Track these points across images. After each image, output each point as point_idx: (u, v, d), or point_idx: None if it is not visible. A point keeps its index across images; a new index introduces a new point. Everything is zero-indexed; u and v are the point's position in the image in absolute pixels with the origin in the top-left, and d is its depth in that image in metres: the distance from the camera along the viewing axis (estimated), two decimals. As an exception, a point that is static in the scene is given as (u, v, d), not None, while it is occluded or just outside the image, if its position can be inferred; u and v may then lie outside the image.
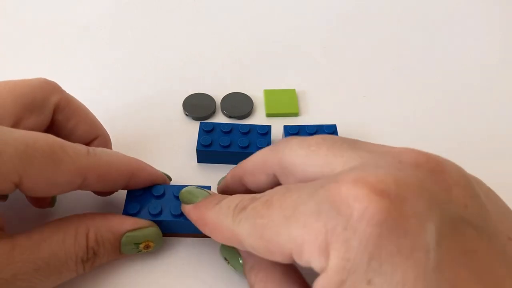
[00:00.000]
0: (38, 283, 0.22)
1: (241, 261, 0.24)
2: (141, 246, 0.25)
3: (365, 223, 0.16)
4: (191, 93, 0.37)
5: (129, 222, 0.25)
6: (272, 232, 0.19)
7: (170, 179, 0.29)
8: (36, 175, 0.22)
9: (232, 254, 0.25)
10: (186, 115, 0.36)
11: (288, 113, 0.36)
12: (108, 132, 0.30)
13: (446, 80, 0.40)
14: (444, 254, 0.16)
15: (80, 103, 0.29)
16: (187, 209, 0.25)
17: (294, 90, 0.37)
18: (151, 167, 0.28)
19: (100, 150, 0.25)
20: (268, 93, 0.37)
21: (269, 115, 0.36)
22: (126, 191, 0.27)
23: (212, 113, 0.36)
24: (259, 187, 0.25)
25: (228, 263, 0.25)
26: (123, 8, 0.46)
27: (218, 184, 0.28)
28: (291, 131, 0.32)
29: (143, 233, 0.25)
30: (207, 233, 0.24)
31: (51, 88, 0.27)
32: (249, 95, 0.37)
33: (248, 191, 0.25)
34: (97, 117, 0.30)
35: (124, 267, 0.26)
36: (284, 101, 0.37)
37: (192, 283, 0.26)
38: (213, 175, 0.31)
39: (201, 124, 0.32)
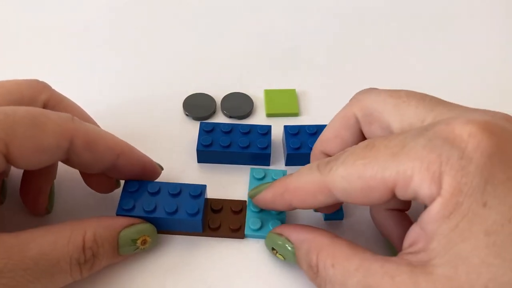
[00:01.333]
0: (27, 284, 0.21)
1: (290, 249, 0.24)
2: (139, 242, 0.25)
3: (480, 154, 0.18)
4: (191, 93, 0.37)
5: (124, 220, 0.25)
6: (375, 168, 0.20)
7: (162, 169, 0.29)
8: (22, 141, 0.22)
9: (280, 242, 0.25)
10: (186, 115, 0.36)
11: (288, 113, 0.36)
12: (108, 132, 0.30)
13: (447, 80, 0.40)
14: None
15: (72, 101, 0.29)
16: (261, 194, 0.26)
17: (294, 90, 0.37)
18: (142, 152, 0.28)
19: (87, 123, 0.25)
20: (268, 93, 0.37)
21: (269, 115, 0.36)
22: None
23: (212, 113, 0.36)
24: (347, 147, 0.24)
25: (277, 253, 0.25)
26: (124, 8, 0.46)
27: (251, 195, 0.27)
28: (291, 131, 0.32)
29: (138, 228, 0.25)
30: (285, 202, 0.24)
31: (40, 87, 0.27)
32: (249, 95, 0.37)
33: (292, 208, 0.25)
34: (97, 117, 0.30)
35: (120, 267, 0.26)
36: (284, 101, 0.37)
37: (188, 281, 0.26)
38: (213, 175, 0.32)
39: (201, 124, 0.32)
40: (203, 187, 0.27)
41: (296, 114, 0.36)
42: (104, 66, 0.40)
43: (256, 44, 0.43)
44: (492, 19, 0.47)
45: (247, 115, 0.36)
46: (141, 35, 0.43)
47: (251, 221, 0.28)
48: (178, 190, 0.27)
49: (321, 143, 0.27)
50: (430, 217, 0.19)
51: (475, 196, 0.18)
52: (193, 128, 0.35)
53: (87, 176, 0.28)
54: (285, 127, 0.32)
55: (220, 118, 0.36)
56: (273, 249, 0.26)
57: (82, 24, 0.44)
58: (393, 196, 0.20)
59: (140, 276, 0.26)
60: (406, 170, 0.19)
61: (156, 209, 0.26)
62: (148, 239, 0.26)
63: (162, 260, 0.27)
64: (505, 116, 0.20)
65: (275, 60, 0.41)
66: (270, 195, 0.25)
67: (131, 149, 0.27)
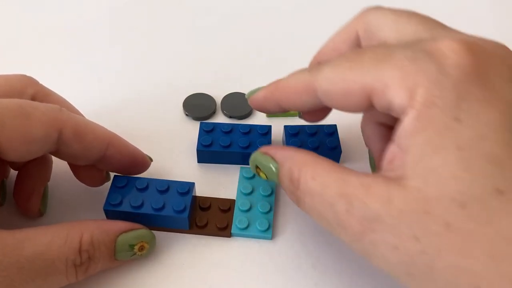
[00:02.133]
0: (21, 283, 0.21)
1: (274, 169, 0.24)
2: (136, 247, 0.25)
3: (459, 71, 0.18)
4: (191, 93, 0.37)
5: (123, 224, 0.25)
6: (358, 72, 0.20)
7: (151, 160, 0.29)
8: (10, 131, 0.22)
9: (265, 162, 0.24)
10: (186, 115, 0.36)
11: (288, 113, 0.36)
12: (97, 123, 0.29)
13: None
14: None
15: (59, 96, 0.29)
16: (255, 94, 0.26)
17: (294, 90, 0.37)
18: (131, 144, 0.28)
19: (75, 114, 0.25)
20: (268, 93, 0.37)
21: (269, 115, 0.36)
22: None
23: (212, 113, 0.36)
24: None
25: (260, 172, 0.25)
26: (124, 8, 0.46)
27: (248, 96, 0.28)
28: (291, 131, 0.32)
29: (137, 234, 0.25)
30: (274, 100, 0.25)
31: (27, 81, 0.27)
32: (249, 95, 0.37)
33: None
34: (96, 117, 0.30)
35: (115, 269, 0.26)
36: (284, 101, 0.37)
37: (170, 278, 0.26)
38: (213, 175, 0.31)
39: (201, 124, 0.32)
40: (191, 185, 0.27)
41: (296, 114, 0.36)
42: (104, 66, 0.40)
43: (256, 44, 0.43)
44: (491, 19, 0.47)
45: (247, 115, 0.36)
46: (141, 35, 0.43)
47: (238, 220, 0.28)
48: (166, 187, 0.27)
49: (319, 55, 0.27)
50: (403, 130, 0.19)
51: (448, 110, 0.18)
52: (193, 128, 0.35)
53: (77, 169, 0.28)
54: (285, 127, 0.32)
55: (220, 118, 0.36)
56: (256, 167, 0.25)
57: (82, 24, 0.44)
58: (371, 104, 0.21)
59: (127, 275, 0.26)
60: (384, 78, 0.19)
61: (143, 205, 0.26)
62: (146, 245, 0.26)
63: (149, 257, 0.27)
64: (502, 46, 0.20)
65: (275, 60, 0.41)
66: (262, 94, 0.26)
67: (120, 139, 0.27)
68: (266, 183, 0.30)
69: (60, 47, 0.42)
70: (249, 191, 0.29)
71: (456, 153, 0.18)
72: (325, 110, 0.27)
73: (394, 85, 0.19)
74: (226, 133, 0.32)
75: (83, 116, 0.29)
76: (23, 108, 0.23)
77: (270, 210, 0.28)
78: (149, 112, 0.36)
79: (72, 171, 0.28)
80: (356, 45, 0.25)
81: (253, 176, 0.30)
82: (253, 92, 0.27)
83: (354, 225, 0.19)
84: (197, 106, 0.36)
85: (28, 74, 0.28)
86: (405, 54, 0.19)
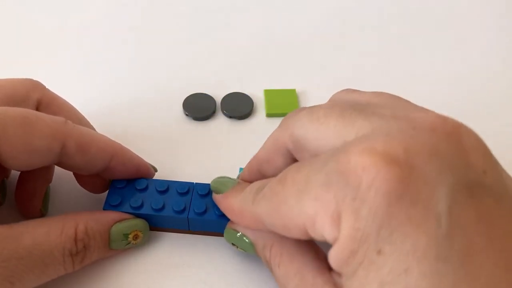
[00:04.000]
0: (21, 274, 0.21)
1: (248, 241, 0.24)
2: (130, 237, 0.26)
3: (374, 193, 0.16)
4: (191, 93, 0.37)
5: (116, 214, 0.26)
6: (287, 207, 0.19)
7: (156, 170, 0.29)
8: (12, 140, 0.22)
9: (237, 239, 0.25)
10: (186, 115, 0.36)
11: (288, 113, 0.36)
12: (107, 133, 0.30)
13: (448, 80, 0.40)
14: (456, 221, 0.16)
15: (65, 101, 0.29)
16: (217, 198, 0.25)
17: (294, 90, 0.37)
18: (135, 154, 0.28)
19: (80, 126, 0.25)
20: (268, 93, 0.37)
21: (269, 115, 0.36)
22: None
23: (212, 113, 0.36)
24: (279, 172, 0.25)
25: (238, 247, 0.25)
26: (123, 7, 0.46)
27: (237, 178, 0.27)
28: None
29: (130, 223, 0.26)
30: (234, 221, 0.24)
31: (33, 85, 0.27)
32: (249, 95, 0.37)
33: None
34: (96, 117, 0.30)
35: (111, 265, 0.26)
36: (284, 101, 0.37)
37: (174, 279, 0.26)
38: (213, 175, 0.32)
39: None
40: (191, 185, 0.27)
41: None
42: (104, 66, 0.40)
43: (256, 44, 0.43)
44: (491, 19, 0.47)
45: (247, 115, 0.36)
46: (141, 35, 0.43)
47: None
48: (165, 187, 0.27)
49: (256, 161, 0.26)
50: (332, 261, 0.18)
51: (368, 243, 0.16)
52: (193, 128, 0.35)
53: (80, 177, 0.28)
54: None
55: (220, 118, 0.36)
56: (233, 244, 0.26)
57: (81, 24, 0.44)
58: (310, 236, 0.19)
59: (127, 275, 0.26)
60: (309, 211, 0.18)
61: (143, 205, 0.26)
62: (140, 234, 0.26)
63: (149, 257, 0.27)
64: (432, 126, 0.18)
65: (275, 60, 0.41)
66: (223, 209, 0.25)
67: (124, 150, 0.27)
68: None
69: (59, 47, 0.41)
70: None
71: (384, 285, 0.16)
72: None
73: (320, 218, 0.18)
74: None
75: (88, 122, 0.30)
76: (27, 118, 0.23)
77: None
78: (149, 112, 0.36)
79: (76, 178, 0.28)
80: (289, 156, 0.23)
81: None
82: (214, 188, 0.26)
83: None
84: (197, 106, 0.36)
85: (29, 77, 0.28)
86: (319, 180, 0.18)
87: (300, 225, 0.19)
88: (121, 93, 0.37)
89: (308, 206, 0.18)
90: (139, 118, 0.35)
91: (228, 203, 0.25)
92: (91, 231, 0.24)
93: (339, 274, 0.19)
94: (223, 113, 0.36)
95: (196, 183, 0.28)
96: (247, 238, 0.24)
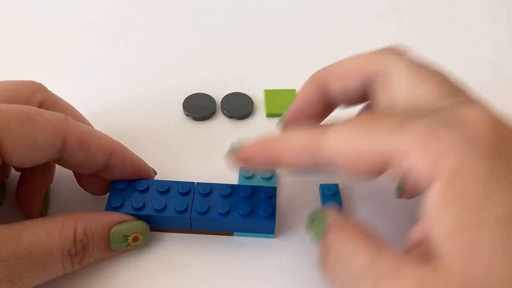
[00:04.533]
0: (21, 273, 0.21)
1: (320, 229, 0.22)
2: (130, 238, 0.26)
3: (486, 143, 0.18)
4: (191, 93, 0.37)
5: (116, 215, 0.26)
6: (374, 137, 0.19)
7: (156, 173, 0.29)
8: (15, 136, 0.22)
9: (319, 214, 0.23)
10: (186, 115, 0.36)
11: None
12: (107, 133, 0.30)
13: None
14: None
15: (67, 103, 0.29)
16: (246, 148, 0.24)
17: (294, 90, 0.37)
18: (136, 154, 0.28)
19: (80, 123, 0.25)
20: (268, 93, 0.37)
21: (269, 115, 0.36)
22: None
23: (212, 113, 0.36)
24: (347, 94, 0.25)
25: (313, 224, 0.23)
26: (123, 8, 0.46)
27: (232, 148, 0.26)
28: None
29: (130, 225, 0.26)
30: (267, 158, 0.23)
31: (35, 87, 0.27)
32: (249, 95, 0.37)
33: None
34: (96, 117, 0.30)
35: (111, 265, 0.26)
36: (284, 101, 0.37)
37: (177, 279, 0.26)
38: (213, 176, 0.31)
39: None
40: (192, 184, 0.27)
41: (296, 114, 0.36)
42: (104, 66, 0.40)
43: (256, 44, 0.43)
44: (491, 19, 0.47)
45: (247, 115, 0.36)
46: (141, 35, 0.43)
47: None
48: (166, 188, 0.27)
49: (328, 72, 0.27)
50: (431, 202, 0.18)
51: (480, 182, 0.17)
52: (193, 128, 0.35)
53: (81, 178, 0.28)
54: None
55: (220, 118, 0.36)
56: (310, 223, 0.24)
57: (81, 24, 0.44)
58: (381, 171, 0.20)
59: (127, 275, 0.26)
60: (404, 145, 0.19)
61: (144, 206, 0.26)
62: (140, 236, 0.26)
63: (149, 257, 0.27)
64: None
65: (275, 60, 0.41)
66: (251, 151, 0.24)
67: (124, 149, 0.27)
68: (265, 184, 0.30)
69: (58, 47, 0.41)
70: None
71: (497, 228, 0.16)
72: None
73: (416, 153, 0.18)
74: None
75: (89, 123, 0.30)
76: (29, 115, 0.23)
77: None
78: (149, 112, 0.36)
79: (76, 180, 0.28)
80: (362, 84, 0.24)
81: (252, 176, 0.30)
82: (235, 147, 0.25)
83: None
84: (197, 106, 0.36)
85: (29, 78, 0.28)
86: (427, 121, 0.19)
87: (383, 155, 0.19)
88: (121, 93, 0.37)
89: (406, 139, 0.19)
90: (139, 118, 0.35)
91: (260, 146, 0.24)
92: (90, 232, 0.24)
93: (419, 251, 0.19)
94: (223, 113, 0.36)
95: (197, 182, 0.28)
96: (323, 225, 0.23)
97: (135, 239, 0.26)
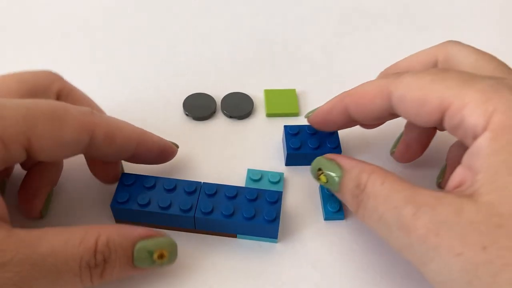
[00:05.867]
0: (31, 280, 0.20)
1: (337, 178, 0.25)
2: (155, 255, 0.24)
3: None
4: (191, 93, 0.37)
5: (143, 230, 0.24)
6: (439, 86, 0.22)
7: (177, 147, 0.30)
8: (43, 135, 0.22)
9: (330, 165, 0.26)
10: (186, 115, 0.36)
11: (288, 113, 0.36)
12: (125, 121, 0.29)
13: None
14: None
15: (82, 92, 0.30)
16: (320, 108, 0.28)
17: (294, 90, 0.37)
18: (157, 136, 0.29)
19: (105, 115, 0.26)
20: (268, 93, 0.37)
21: (269, 115, 0.36)
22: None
23: (212, 113, 0.36)
24: None
25: (321, 174, 0.26)
26: (123, 7, 0.46)
27: (308, 115, 0.30)
28: (291, 131, 0.32)
29: (157, 241, 0.24)
30: (342, 107, 0.27)
31: (53, 77, 0.28)
32: (249, 95, 0.37)
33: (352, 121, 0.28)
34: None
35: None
36: (284, 101, 0.37)
37: (179, 278, 0.26)
38: (213, 175, 0.31)
39: (286, 127, 0.32)
40: (198, 184, 0.28)
41: (296, 114, 0.36)
42: (104, 66, 0.40)
43: (256, 44, 0.43)
44: (490, 19, 0.47)
45: (247, 115, 0.36)
46: (141, 35, 0.43)
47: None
48: (173, 186, 0.27)
49: (391, 69, 0.30)
50: (477, 150, 0.20)
51: None
52: (193, 128, 0.35)
53: (93, 166, 0.28)
54: (285, 127, 0.32)
55: (220, 118, 0.36)
56: (319, 169, 0.26)
57: (81, 24, 0.44)
58: (439, 119, 0.22)
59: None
60: (464, 97, 0.21)
61: (150, 203, 0.27)
62: (166, 253, 0.24)
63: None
64: None
65: (275, 60, 0.41)
66: (330, 104, 0.28)
67: (148, 135, 0.28)
68: (272, 187, 0.30)
69: (58, 47, 0.41)
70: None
71: None
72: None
73: (473, 105, 0.20)
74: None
75: (104, 112, 0.30)
76: (56, 112, 0.23)
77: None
78: (149, 112, 0.36)
79: (89, 167, 0.29)
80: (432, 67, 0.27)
81: (260, 178, 0.30)
82: (312, 110, 0.29)
83: (419, 228, 0.20)
84: (197, 106, 0.36)
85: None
86: (488, 82, 0.21)
87: (443, 103, 0.21)
88: (121, 93, 0.37)
89: (468, 92, 0.21)
90: (139, 118, 0.35)
91: (338, 95, 0.27)
92: (112, 244, 0.23)
93: (459, 190, 0.21)
94: (223, 113, 0.36)
95: (203, 182, 0.28)
96: (338, 170, 0.25)
97: (161, 256, 0.24)
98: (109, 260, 0.22)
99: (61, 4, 0.46)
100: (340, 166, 0.25)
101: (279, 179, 0.31)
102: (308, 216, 0.29)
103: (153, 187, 0.27)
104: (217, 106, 0.36)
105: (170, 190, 0.27)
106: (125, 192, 0.27)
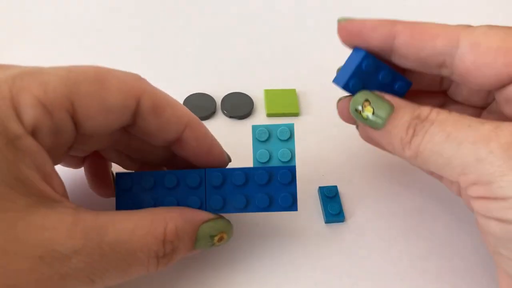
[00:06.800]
0: (102, 271, 0.19)
1: (388, 105, 0.23)
2: (216, 238, 0.24)
3: None
4: (191, 93, 0.37)
5: (205, 214, 0.24)
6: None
7: (230, 160, 0.27)
8: (87, 99, 0.21)
9: (379, 98, 0.24)
10: (186, 115, 0.36)
11: (288, 113, 0.36)
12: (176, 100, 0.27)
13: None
14: None
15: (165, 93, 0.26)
16: (366, 20, 0.24)
17: (294, 90, 0.37)
18: (211, 132, 0.26)
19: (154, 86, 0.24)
20: (268, 93, 0.37)
21: (269, 115, 0.36)
22: None
23: (212, 113, 0.36)
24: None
25: (369, 104, 0.24)
26: (123, 7, 0.46)
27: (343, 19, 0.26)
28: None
29: (218, 224, 0.24)
30: (399, 32, 0.23)
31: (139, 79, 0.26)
32: (249, 95, 0.37)
33: None
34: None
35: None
36: (284, 101, 0.37)
37: (180, 278, 0.26)
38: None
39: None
40: (202, 173, 0.25)
41: (296, 114, 0.36)
42: (104, 66, 0.40)
43: (256, 44, 0.43)
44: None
45: (247, 115, 0.36)
46: (141, 35, 0.43)
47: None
48: (175, 182, 0.25)
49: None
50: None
51: None
52: (193, 128, 0.35)
53: (92, 180, 0.28)
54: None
55: (220, 118, 0.36)
56: (366, 100, 0.24)
57: (81, 23, 0.44)
58: (502, 84, 0.21)
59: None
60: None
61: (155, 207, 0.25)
62: (225, 236, 0.24)
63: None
64: None
65: (275, 60, 0.41)
66: (376, 21, 0.24)
67: (200, 124, 0.25)
68: (283, 146, 0.26)
69: (59, 46, 0.41)
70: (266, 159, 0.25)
71: None
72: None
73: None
74: None
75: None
76: (99, 74, 0.21)
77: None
78: (149, 112, 0.36)
79: (88, 182, 0.28)
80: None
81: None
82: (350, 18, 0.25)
83: (501, 137, 0.20)
84: (197, 106, 0.36)
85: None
86: None
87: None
88: (121, 93, 0.37)
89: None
90: (139, 118, 0.35)
91: (407, 22, 0.24)
92: (181, 231, 0.22)
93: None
94: (223, 113, 0.36)
95: (207, 169, 0.25)
96: (387, 104, 0.23)
97: (221, 238, 0.24)
98: (177, 249, 0.22)
99: (61, 4, 0.46)
100: (389, 103, 0.23)
101: (290, 135, 0.26)
102: (308, 220, 0.29)
103: (154, 187, 0.25)
104: (217, 106, 0.36)
105: (172, 188, 0.25)
106: (126, 198, 0.25)
